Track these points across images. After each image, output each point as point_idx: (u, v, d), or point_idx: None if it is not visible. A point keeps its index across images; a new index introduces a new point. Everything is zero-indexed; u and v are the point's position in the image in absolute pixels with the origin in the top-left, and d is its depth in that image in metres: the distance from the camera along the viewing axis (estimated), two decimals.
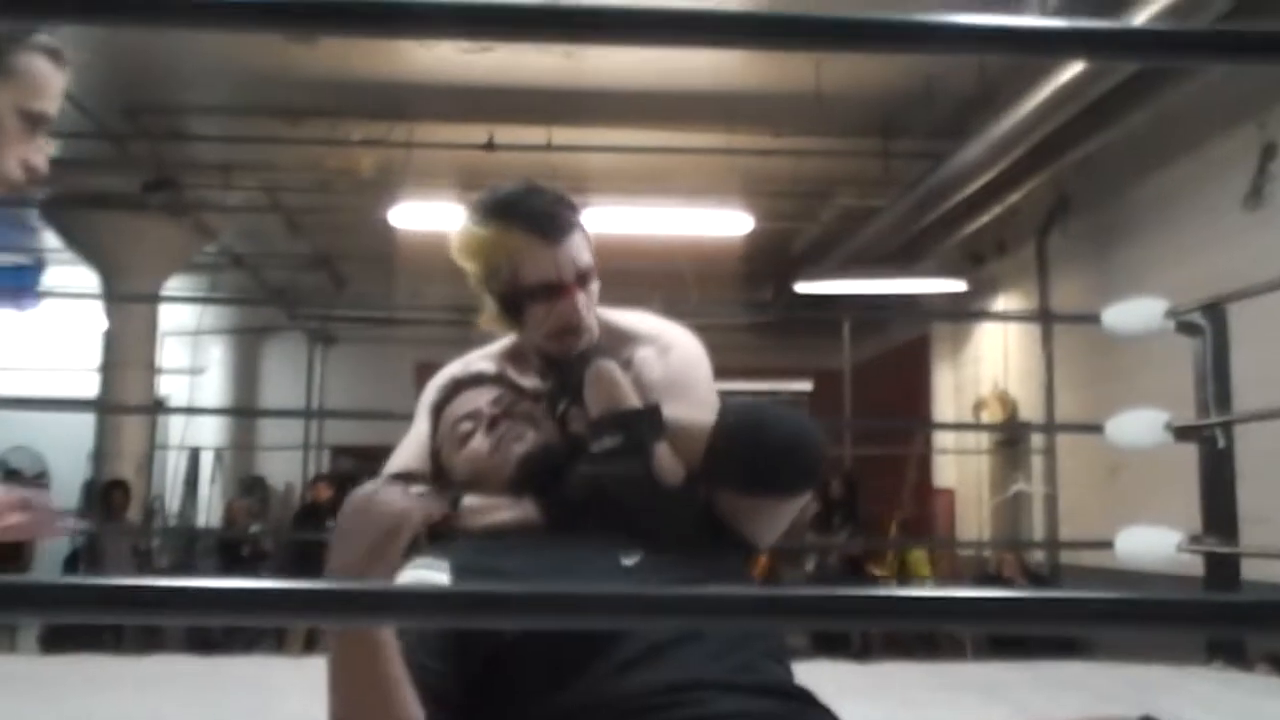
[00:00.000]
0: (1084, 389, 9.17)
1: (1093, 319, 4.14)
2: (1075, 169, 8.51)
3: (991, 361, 11.25)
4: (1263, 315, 4.56)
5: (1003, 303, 11.10)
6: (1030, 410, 10.33)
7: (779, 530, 2.11)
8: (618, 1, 1.08)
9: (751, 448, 1.99)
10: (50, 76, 1.74)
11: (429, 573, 1.88)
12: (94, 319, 12.05)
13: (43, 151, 1.78)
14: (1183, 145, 7.78)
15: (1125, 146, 7.94)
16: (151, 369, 11.45)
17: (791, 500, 2.06)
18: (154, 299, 11.55)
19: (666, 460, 2.01)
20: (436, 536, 1.98)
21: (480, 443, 2.08)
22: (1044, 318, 10.46)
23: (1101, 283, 8.84)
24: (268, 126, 9.34)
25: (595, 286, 2.21)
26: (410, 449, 2.26)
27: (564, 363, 2.18)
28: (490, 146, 9.13)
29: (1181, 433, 3.87)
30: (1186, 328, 4.01)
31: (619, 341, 2.26)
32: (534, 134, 8.96)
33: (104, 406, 11.58)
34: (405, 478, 2.07)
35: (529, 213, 2.15)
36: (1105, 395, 8.15)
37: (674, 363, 2.22)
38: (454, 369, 2.33)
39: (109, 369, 11.19)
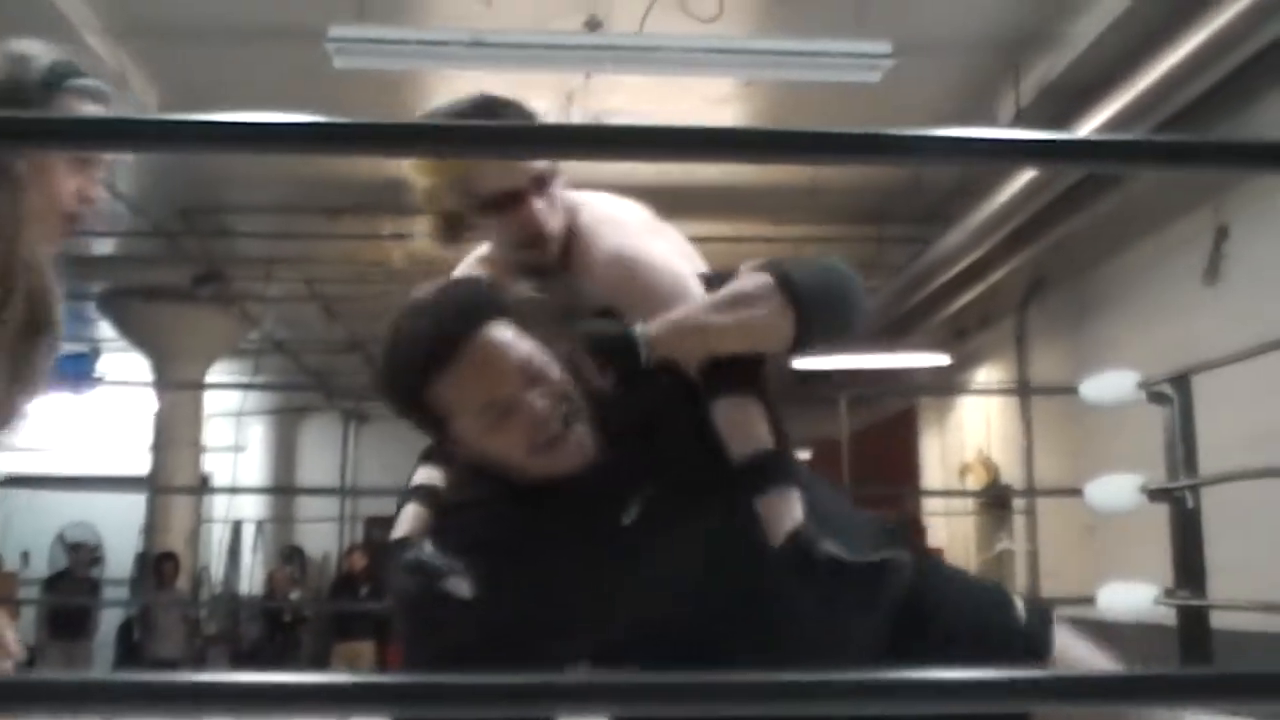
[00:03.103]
0: (1060, 452, 9.17)
1: (1071, 390, 4.18)
2: (1050, 251, 8.56)
3: (975, 429, 11.25)
4: (1225, 384, 4.58)
5: (985, 373, 11.12)
6: (1011, 474, 10.32)
7: None
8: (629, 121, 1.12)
9: (841, 299, 1.85)
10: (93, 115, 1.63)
11: (453, 577, 1.71)
12: (145, 402, 12.10)
13: (96, 184, 1.69)
14: (1146, 228, 7.84)
15: (1094, 230, 8.00)
16: (198, 447, 11.47)
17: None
18: (201, 386, 11.60)
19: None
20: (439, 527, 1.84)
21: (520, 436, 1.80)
22: (1024, 391, 10.49)
23: (1075, 352, 8.88)
24: (307, 223, 9.44)
25: (557, 189, 2.00)
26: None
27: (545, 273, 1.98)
28: None
29: (1154, 495, 3.90)
30: (1156, 397, 4.04)
31: (580, 243, 2.04)
32: None
33: (155, 485, 11.61)
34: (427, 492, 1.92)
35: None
36: (1080, 458, 8.16)
37: (625, 259, 2.00)
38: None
39: (159, 448, 11.22)
